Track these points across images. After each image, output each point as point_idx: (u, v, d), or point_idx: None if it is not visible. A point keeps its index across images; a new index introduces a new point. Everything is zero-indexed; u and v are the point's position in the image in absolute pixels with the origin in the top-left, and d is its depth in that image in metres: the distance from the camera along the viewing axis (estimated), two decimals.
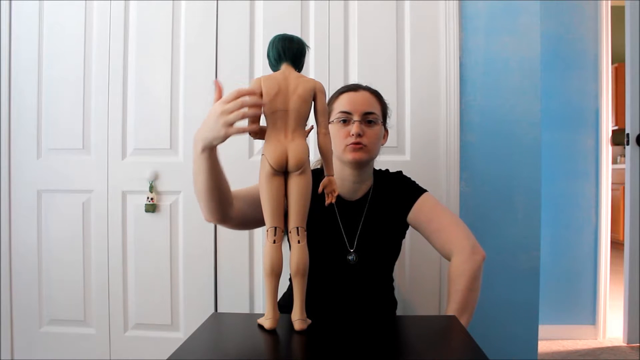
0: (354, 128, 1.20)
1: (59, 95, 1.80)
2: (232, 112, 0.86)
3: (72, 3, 1.79)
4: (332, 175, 0.93)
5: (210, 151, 0.96)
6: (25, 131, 1.82)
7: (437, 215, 1.26)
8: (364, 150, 1.21)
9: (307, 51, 0.93)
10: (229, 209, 1.10)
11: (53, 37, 1.81)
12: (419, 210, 1.27)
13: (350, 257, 1.26)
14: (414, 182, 1.34)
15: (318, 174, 1.22)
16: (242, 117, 0.87)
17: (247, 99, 0.86)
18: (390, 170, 1.38)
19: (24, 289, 1.82)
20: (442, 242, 1.23)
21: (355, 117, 1.21)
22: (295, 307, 0.88)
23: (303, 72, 0.94)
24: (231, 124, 0.87)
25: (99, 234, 1.78)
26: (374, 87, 1.32)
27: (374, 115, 1.23)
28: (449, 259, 1.22)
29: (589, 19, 2.51)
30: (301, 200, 0.88)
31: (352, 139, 1.20)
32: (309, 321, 0.90)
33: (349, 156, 1.21)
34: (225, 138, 0.89)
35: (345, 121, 1.23)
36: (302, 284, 0.88)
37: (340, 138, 1.22)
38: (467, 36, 1.74)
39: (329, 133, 0.92)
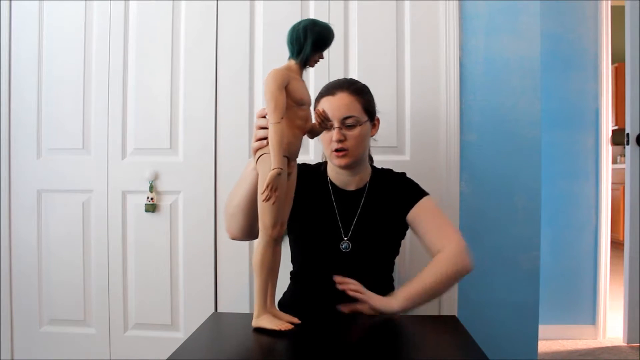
0: (334, 135, 1.23)
1: (59, 95, 1.80)
2: None
3: (72, 3, 1.79)
4: (276, 168, 0.88)
5: None
6: (25, 131, 1.81)
7: (435, 217, 1.30)
8: (348, 156, 1.25)
9: (300, 33, 0.92)
10: (256, 226, 1.09)
11: (53, 37, 1.81)
12: (418, 210, 1.29)
13: (344, 245, 1.28)
14: (417, 184, 1.36)
15: (309, 169, 1.34)
16: None
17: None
18: (395, 171, 1.40)
19: (24, 289, 1.82)
20: (434, 239, 1.25)
21: (335, 124, 1.23)
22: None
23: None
24: None
25: (99, 234, 1.78)
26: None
27: (352, 118, 1.24)
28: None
29: (589, 19, 2.51)
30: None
31: (335, 145, 1.23)
32: (278, 322, 0.92)
33: (335, 162, 1.27)
34: None
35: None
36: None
37: (325, 144, 1.28)
38: (467, 36, 1.74)
39: (275, 122, 0.89)
